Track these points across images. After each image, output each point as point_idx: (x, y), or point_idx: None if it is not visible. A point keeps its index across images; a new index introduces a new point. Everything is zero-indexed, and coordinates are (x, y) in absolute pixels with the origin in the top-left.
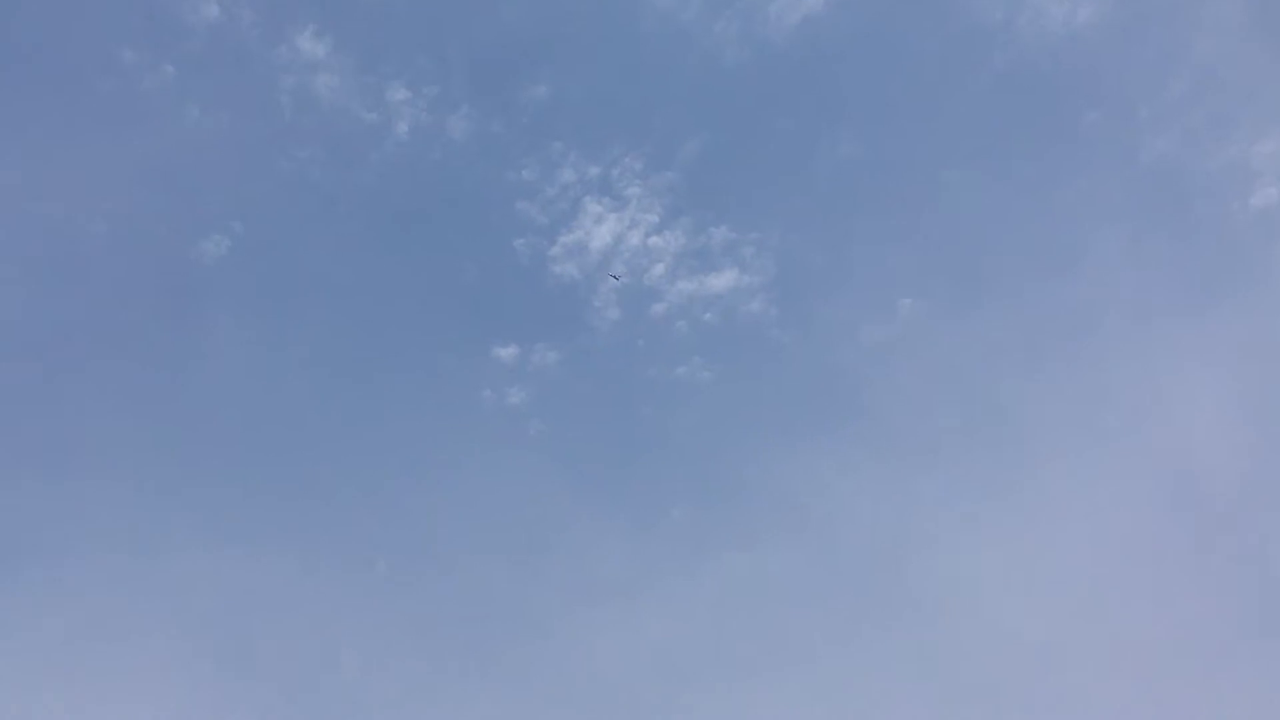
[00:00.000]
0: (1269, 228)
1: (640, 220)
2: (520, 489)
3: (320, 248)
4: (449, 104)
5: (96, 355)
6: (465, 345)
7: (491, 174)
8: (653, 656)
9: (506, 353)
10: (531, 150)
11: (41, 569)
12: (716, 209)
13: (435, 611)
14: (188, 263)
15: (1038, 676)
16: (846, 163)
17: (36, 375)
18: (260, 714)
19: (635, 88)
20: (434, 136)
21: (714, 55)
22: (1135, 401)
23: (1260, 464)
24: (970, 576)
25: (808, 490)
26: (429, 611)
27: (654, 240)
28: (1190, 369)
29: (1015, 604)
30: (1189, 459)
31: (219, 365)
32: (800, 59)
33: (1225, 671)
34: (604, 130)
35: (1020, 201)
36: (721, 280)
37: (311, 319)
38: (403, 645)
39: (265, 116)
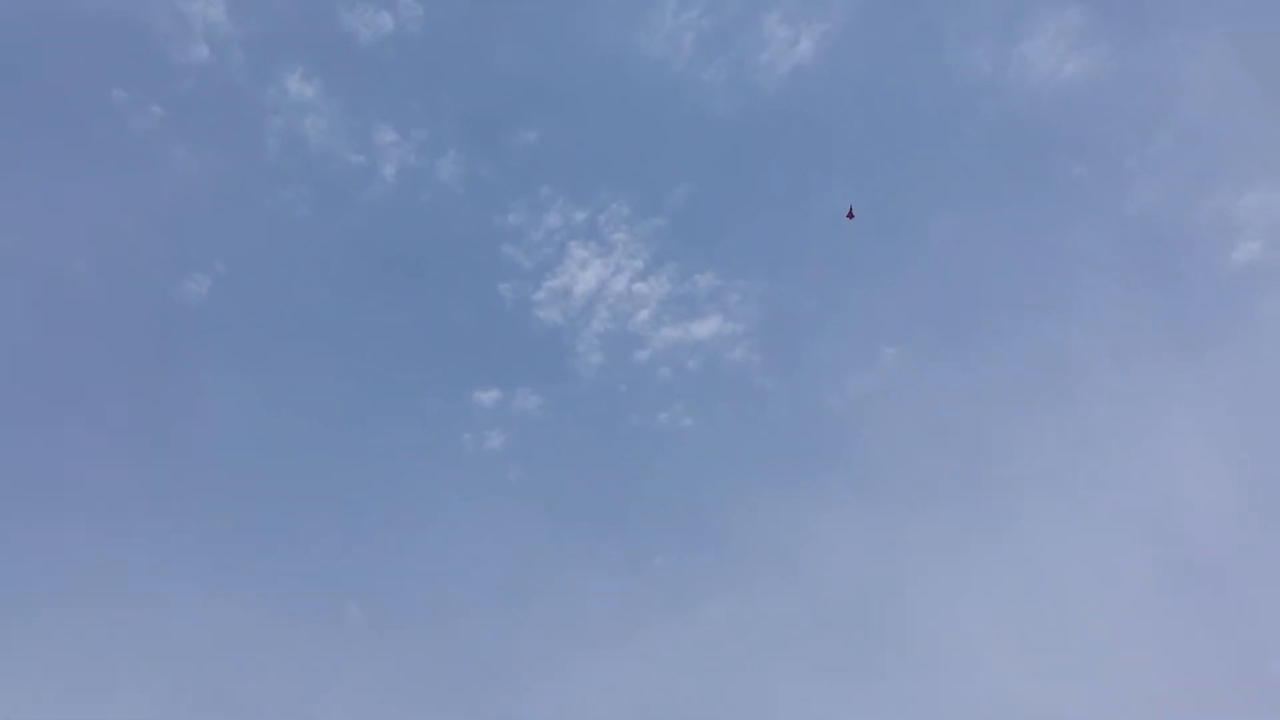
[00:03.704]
0: (1251, 281)
1: (625, 266)
2: (499, 535)
3: (304, 288)
4: (437, 147)
5: (76, 393)
6: (446, 388)
7: (478, 218)
8: (637, 707)
9: (488, 397)
10: (519, 195)
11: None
12: (702, 256)
13: (412, 659)
14: (170, 302)
15: None
16: (834, 212)
17: (16, 413)
18: None
19: (624, 134)
20: (421, 179)
21: (703, 103)
22: (1120, 451)
23: (1243, 514)
24: (955, 627)
25: (792, 538)
26: (406, 659)
27: (639, 286)
28: (1174, 419)
29: (1000, 654)
30: (1173, 509)
31: (199, 405)
32: (790, 108)
33: None
34: (591, 176)
35: (1006, 251)
36: (705, 327)
37: (293, 360)
38: (379, 694)
39: (252, 157)
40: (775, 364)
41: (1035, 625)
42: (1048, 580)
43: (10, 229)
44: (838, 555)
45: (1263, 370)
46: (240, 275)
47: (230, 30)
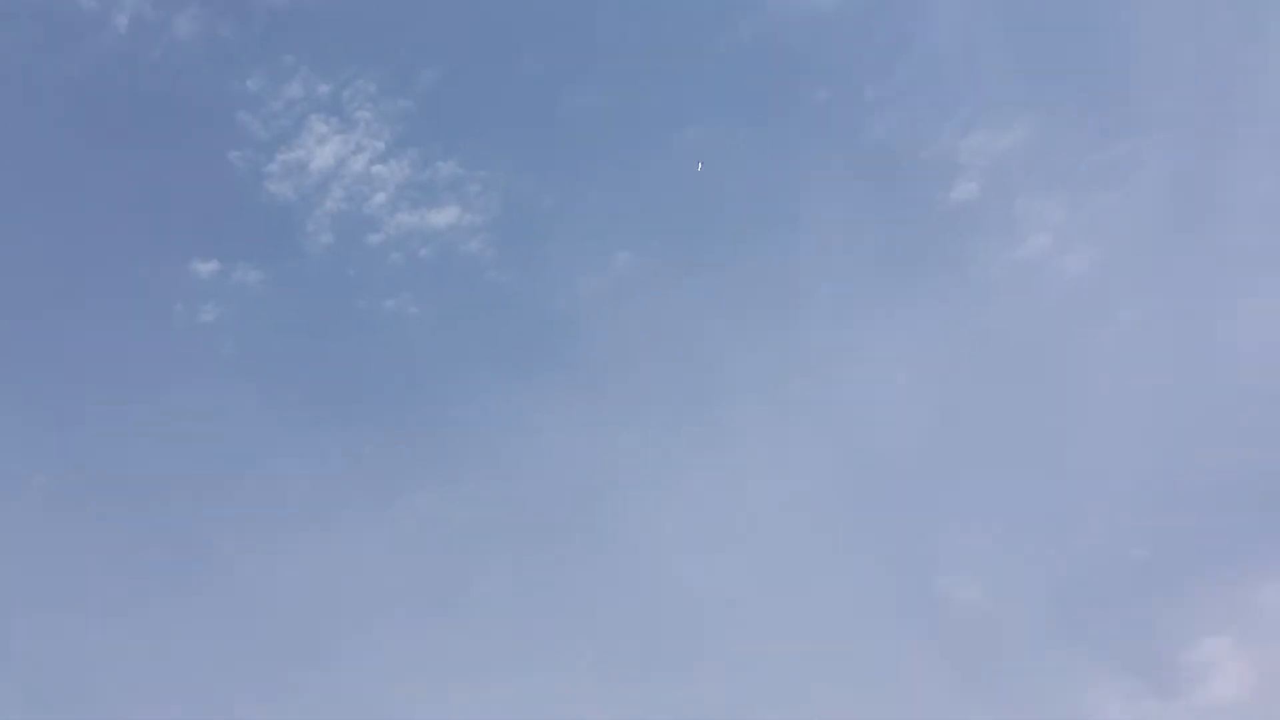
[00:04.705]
0: (965, 221)
1: (366, 146)
2: (203, 411)
3: (14, 135)
4: (177, 1)
5: None
6: (161, 255)
7: (213, 80)
8: (333, 592)
9: (206, 268)
10: (260, 60)
11: None
12: (446, 143)
13: (98, 534)
14: None
15: (707, 629)
16: (585, 111)
17: None
18: None
19: (377, 7)
20: (156, 33)
21: None
22: (827, 370)
23: (932, 442)
24: (656, 529)
25: (507, 435)
26: (90, 534)
27: (378, 168)
28: (880, 348)
29: (694, 558)
30: (870, 431)
31: None
32: (552, 2)
33: (877, 651)
34: (339, 49)
35: (745, 168)
36: (443, 216)
37: None
38: (59, 564)
39: None
40: (510, 259)
41: (726, 528)
42: (743, 486)
43: None
44: (550, 454)
45: (963, 307)
46: None
47: None
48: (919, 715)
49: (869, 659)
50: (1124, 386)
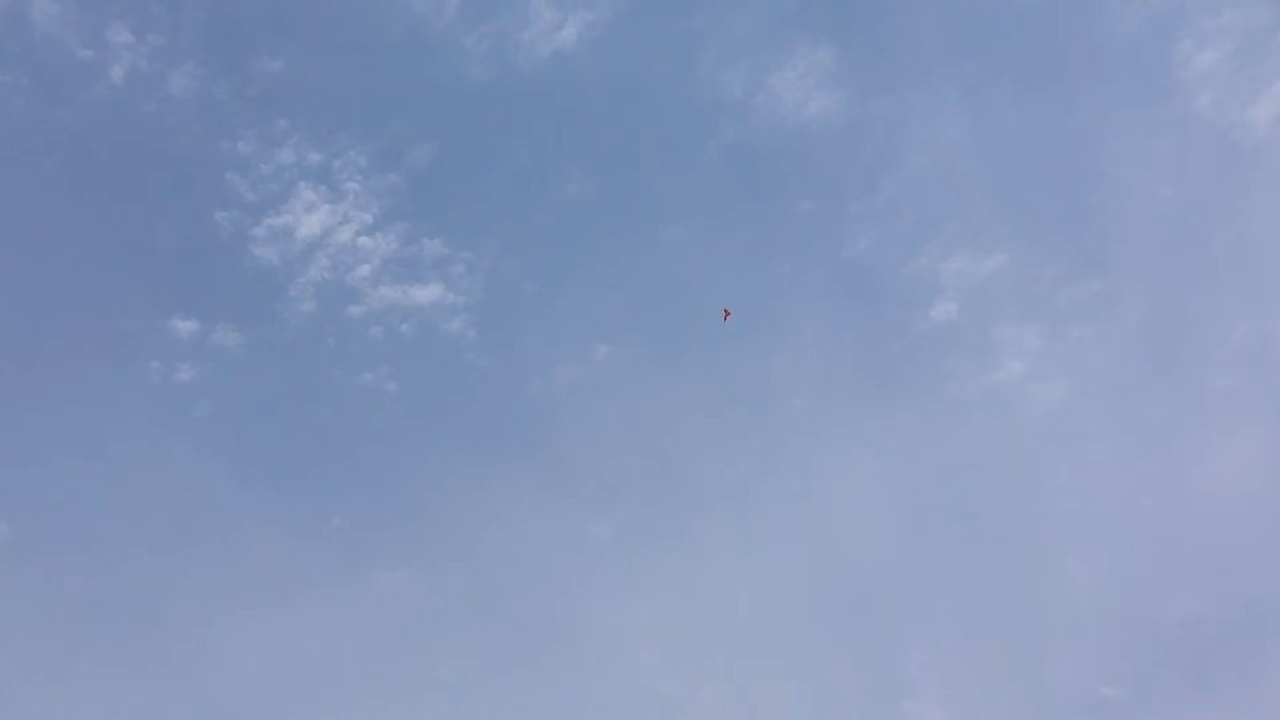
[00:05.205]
0: (943, 340)
1: (354, 217)
2: (171, 471)
3: (3, 182)
4: (174, 57)
5: None
6: (142, 310)
7: (205, 139)
8: (293, 668)
9: (185, 326)
10: (253, 123)
11: None
12: (434, 221)
13: (57, 585)
14: None
15: None
16: (572, 202)
17: None
18: None
19: (374, 83)
20: (151, 88)
21: (459, 69)
22: (798, 479)
23: (900, 559)
24: (621, 625)
25: (477, 517)
26: (49, 584)
27: (364, 240)
28: (854, 460)
29: (657, 659)
30: (837, 543)
31: None
32: (544, 91)
33: None
34: (333, 118)
35: (728, 270)
36: (426, 293)
37: None
38: (17, 622)
39: None
40: (490, 342)
41: (693, 631)
42: (713, 590)
43: None
44: (519, 541)
45: (937, 428)
46: None
47: None
48: None
49: None
50: (1094, 521)
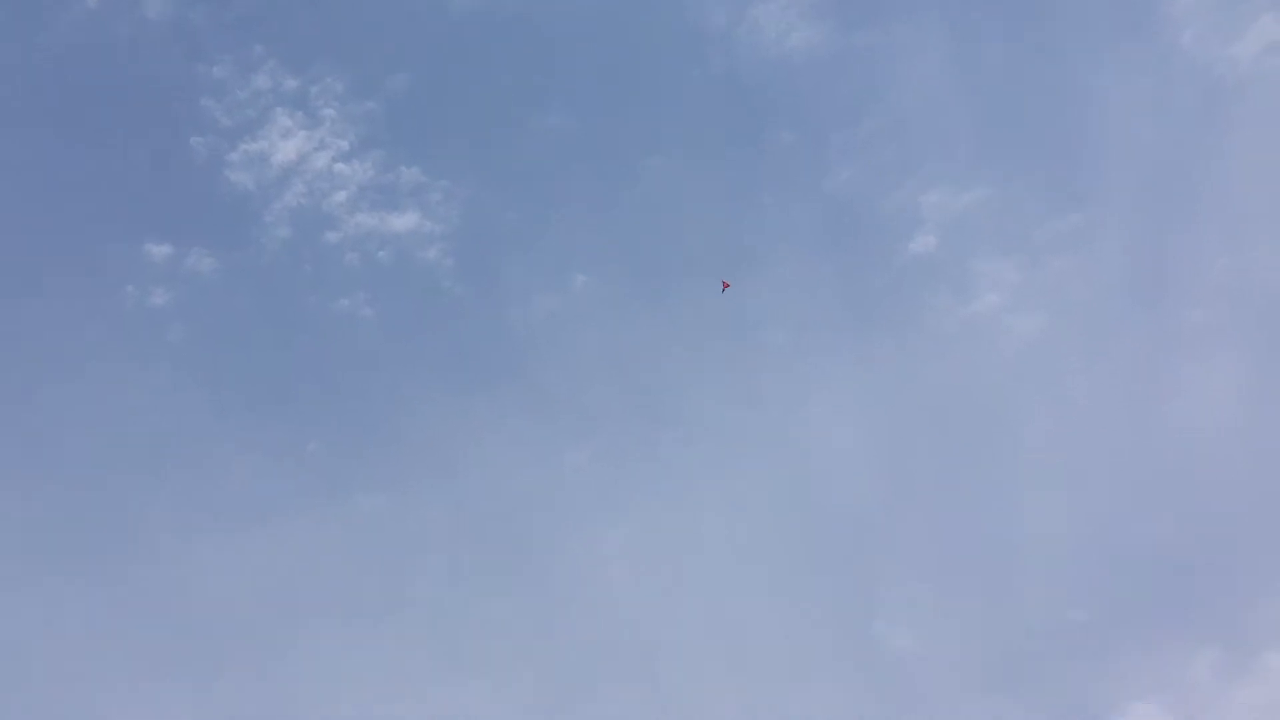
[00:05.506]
0: (922, 273)
1: (330, 144)
2: (145, 394)
3: None
4: None
5: None
6: (116, 234)
7: (181, 64)
8: (271, 589)
9: (159, 250)
10: (229, 48)
11: None
12: (411, 149)
13: (32, 512)
14: None
15: (641, 651)
16: (552, 132)
17: None
18: None
19: (352, 9)
20: (127, 12)
21: None
22: (777, 409)
23: (875, 488)
24: (599, 550)
25: (455, 443)
26: (24, 511)
27: (340, 167)
28: (832, 392)
29: (633, 580)
30: (814, 473)
31: None
32: (528, 20)
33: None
34: (311, 44)
35: (709, 202)
36: (403, 221)
37: None
38: None
39: None
40: (467, 270)
41: (668, 556)
42: (688, 516)
43: None
44: (496, 466)
45: (914, 359)
46: None
47: None
48: None
49: (800, 694)
50: (1068, 451)
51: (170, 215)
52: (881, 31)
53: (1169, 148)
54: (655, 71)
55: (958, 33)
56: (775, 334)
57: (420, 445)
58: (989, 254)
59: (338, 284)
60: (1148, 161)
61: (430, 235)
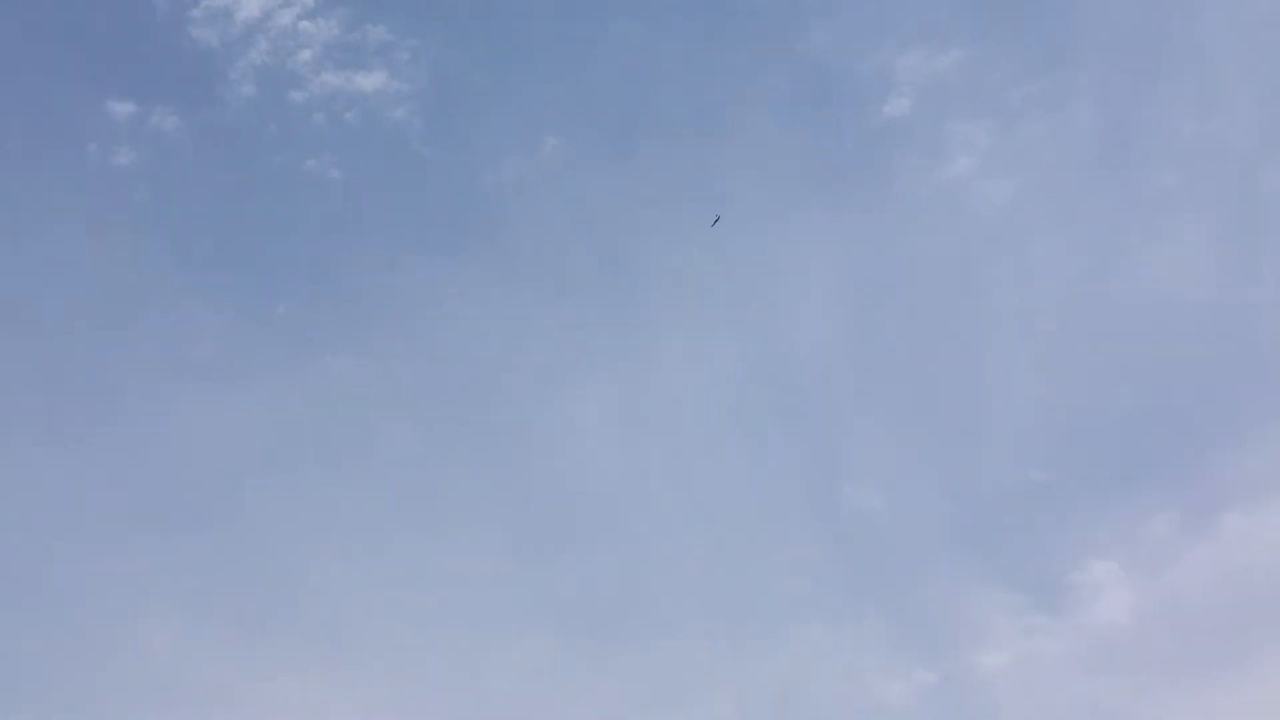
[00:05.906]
0: (895, 136)
1: (295, 1)
2: (112, 254)
3: None
4: None
5: None
6: (75, 92)
7: None
8: (238, 448)
9: (122, 109)
10: None
11: None
12: (377, 5)
13: (2, 373)
14: None
15: (609, 510)
16: None
17: None
18: None
19: None
20: None
21: None
22: (748, 273)
23: (845, 348)
24: (566, 409)
25: (424, 305)
26: None
27: (305, 24)
28: (803, 254)
29: (601, 440)
30: (782, 337)
31: None
32: None
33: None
34: None
35: (680, 65)
36: (370, 81)
37: None
38: None
39: None
40: (436, 132)
41: (638, 418)
42: (658, 377)
43: None
44: (466, 328)
45: (886, 223)
46: None
47: None
48: (808, 614)
49: (767, 553)
50: (1036, 314)
51: (132, 72)
52: None
53: (1142, 12)
54: None
55: None
56: (746, 195)
57: (389, 308)
58: (963, 117)
59: (304, 144)
60: (1121, 26)
61: (398, 95)
